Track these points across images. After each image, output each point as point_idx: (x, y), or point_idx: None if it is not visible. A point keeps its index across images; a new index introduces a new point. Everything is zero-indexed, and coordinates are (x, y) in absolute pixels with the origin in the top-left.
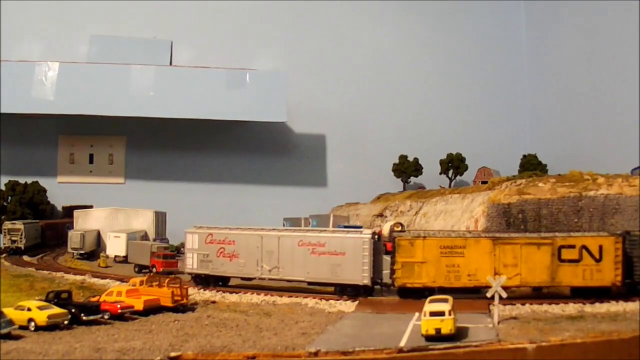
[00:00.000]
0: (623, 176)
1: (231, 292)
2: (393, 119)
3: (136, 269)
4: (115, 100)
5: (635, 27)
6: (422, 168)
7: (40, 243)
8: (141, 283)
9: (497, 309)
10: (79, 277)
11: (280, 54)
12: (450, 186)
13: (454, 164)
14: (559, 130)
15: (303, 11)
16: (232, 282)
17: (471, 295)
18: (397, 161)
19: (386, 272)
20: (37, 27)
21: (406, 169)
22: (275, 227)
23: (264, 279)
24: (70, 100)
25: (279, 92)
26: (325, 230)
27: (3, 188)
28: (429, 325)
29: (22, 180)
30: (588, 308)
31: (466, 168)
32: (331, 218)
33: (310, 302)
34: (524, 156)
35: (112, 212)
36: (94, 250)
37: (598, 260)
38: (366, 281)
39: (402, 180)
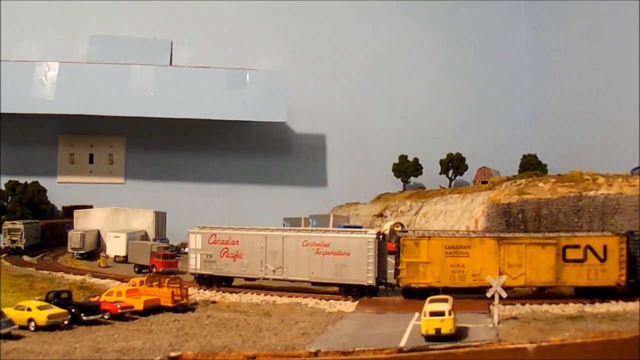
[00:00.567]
0: (623, 176)
1: (231, 292)
2: (393, 119)
3: (136, 269)
4: (115, 100)
5: (635, 27)
6: (422, 168)
7: (40, 243)
8: (141, 283)
9: (497, 309)
10: (79, 277)
11: (280, 54)
12: (450, 186)
13: (454, 164)
14: (559, 130)
15: (303, 11)
16: (235, 283)
17: (476, 295)
18: (397, 161)
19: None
20: (37, 27)
21: (406, 169)
22: (279, 227)
23: (268, 279)
24: (70, 100)
25: (279, 92)
26: (329, 231)
27: (3, 188)
28: (429, 325)
29: (22, 180)
30: (588, 308)
31: (466, 168)
32: (331, 218)
33: (310, 302)
34: (524, 156)
35: (112, 212)
36: (94, 250)
37: (602, 260)
38: (371, 281)
39: (402, 180)
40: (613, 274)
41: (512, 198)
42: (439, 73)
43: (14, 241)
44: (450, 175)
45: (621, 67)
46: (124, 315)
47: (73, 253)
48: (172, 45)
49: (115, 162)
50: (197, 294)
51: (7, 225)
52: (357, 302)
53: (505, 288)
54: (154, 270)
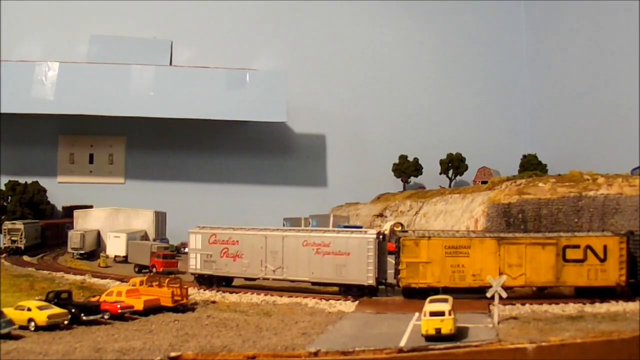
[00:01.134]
0: (623, 176)
1: (231, 292)
2: (393, 119)
3: (136, 269)
4: (115, 100)
5: (635, 27)
6: (422, 168)
7: (40, 243)
8: (141, 283)
9: (497, 309)
10: (79, 277)
11: (280, 54)
12: (450, 186)
13: (454, 164)
14: (559, 130)
15: (303, 11)
16: (235, 283)
17: (476, 295)
18: (397, 161)
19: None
20: (37, 27)
21: (406, 169)
22: (279, 227)
23: (268, 279)
24: (70, 100)
25: (279, 92)
26: (329, 231)
27: (3, 188)
28: (429, 325)
29: (22, 180)
30: (588, 308)
31: (466, 168)
32: (331, 218)
33: (310, 302)
34: (524, 156)
35: (112, 212)
36: (94, 250)
37: (603, 260)
38: (371, 281)
39: (402, 180)
40: (613, 274)
41: (512, 198)
42: (439, 73)
43: (14, 241)
44: (450, 175)
45: (621, 67)
46: (124, 315)
47: (73, 253)
48: (172, 45)
49: (115, 162)
50: (197, 294)
51: (7, 225)
52: (357, 302)
53: (505, 288)
54: (154, 270)
